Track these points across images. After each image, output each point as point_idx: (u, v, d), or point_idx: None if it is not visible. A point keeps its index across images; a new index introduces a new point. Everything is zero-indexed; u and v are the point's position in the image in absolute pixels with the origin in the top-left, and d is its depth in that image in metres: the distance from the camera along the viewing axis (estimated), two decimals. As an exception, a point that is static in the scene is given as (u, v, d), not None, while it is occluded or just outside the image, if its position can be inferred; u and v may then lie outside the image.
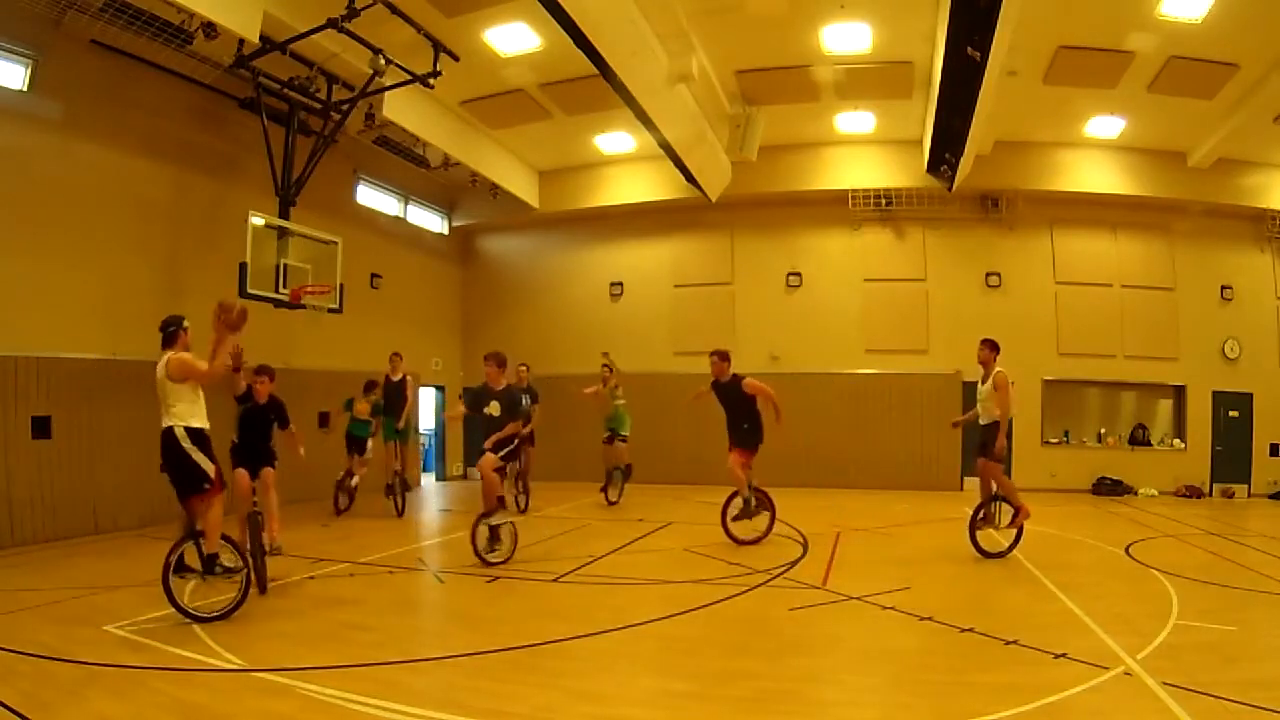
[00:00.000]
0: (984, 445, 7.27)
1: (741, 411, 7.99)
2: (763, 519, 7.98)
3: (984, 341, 7.51)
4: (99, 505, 8.65)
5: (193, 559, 4.97)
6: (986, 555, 7.24)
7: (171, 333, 5.13)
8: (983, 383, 7.39)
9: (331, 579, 6.44)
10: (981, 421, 7.37)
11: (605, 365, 11.24)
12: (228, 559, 5.08)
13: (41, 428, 8.12)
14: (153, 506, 9.27)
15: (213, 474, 5.00)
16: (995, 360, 7.38)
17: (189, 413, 4.98)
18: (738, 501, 7.94)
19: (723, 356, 8.16)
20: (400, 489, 10.23)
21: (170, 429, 4.91)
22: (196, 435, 4.96)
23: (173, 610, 4.83)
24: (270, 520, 6.46)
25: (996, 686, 3.83)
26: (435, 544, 8.33)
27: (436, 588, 6.48)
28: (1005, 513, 7.33)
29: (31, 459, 8.03)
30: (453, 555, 7.52)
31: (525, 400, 7.61)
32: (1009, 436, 7.28)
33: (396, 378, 10.39)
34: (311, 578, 6.44)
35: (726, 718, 3.58)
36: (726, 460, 7.92)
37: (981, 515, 7.38)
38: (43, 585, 5.96)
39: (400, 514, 10.09)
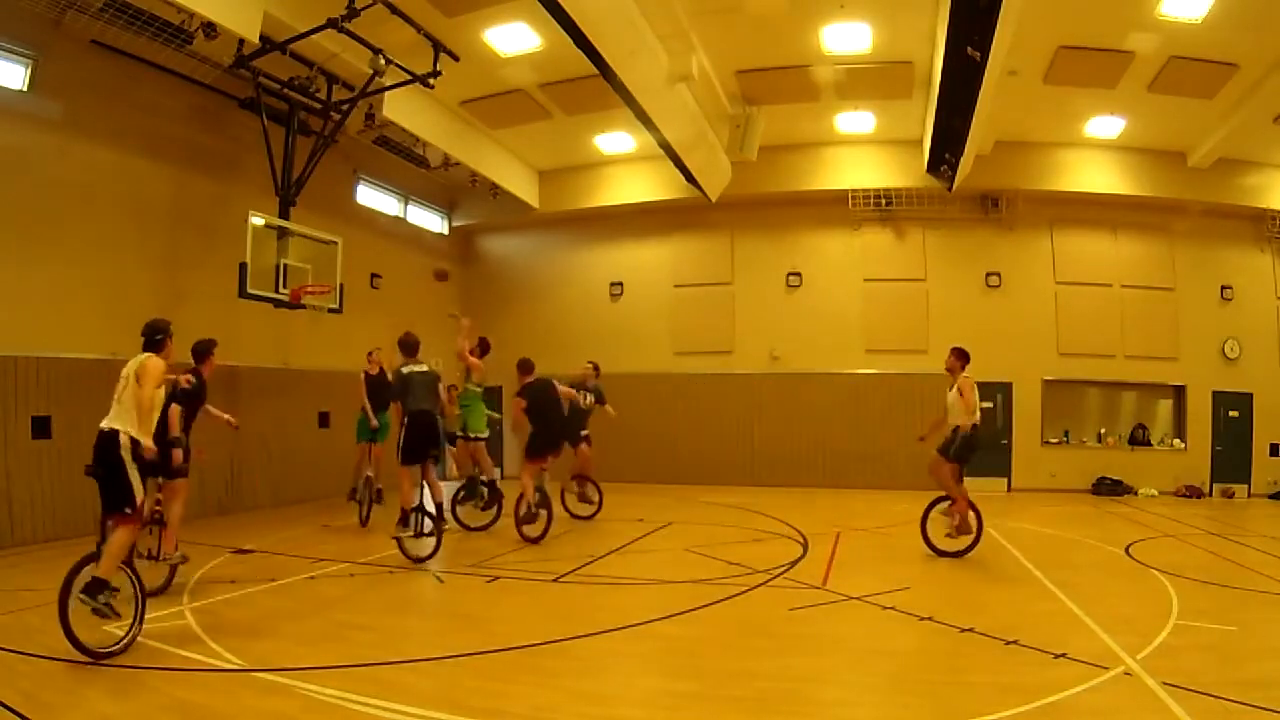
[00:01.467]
0: (947, 447, 7.42)
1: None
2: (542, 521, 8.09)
3: (953, 350, 7.69)
4: (99, 505, 8.62)
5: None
6: (940, 553, 7.37)
7: (159, 340, 4.95)
8: (950, 389, 7.56)
9: (331, 579, 6.44)
10: (950, 425, 7.52)
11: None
12: (112, 596, 4.35)
13: (41, 428, 8.11)
14: (152, 507, 9.27)
15: (139, 501, 4.65)
16: (962, 369, 7.55)
17: (137, 422, 4.68)
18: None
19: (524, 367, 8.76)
20: (369, 497, 9.19)
21: (114, 433, 4.60)
22: (137, 450, 4.66)
23: (104, 622, 4.35)
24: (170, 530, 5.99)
25: (996, 686, 3.83)
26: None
27: (436, 588, 6.48)
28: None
29: (31, 459, 8.02)
30: (453, 555, 7.52)
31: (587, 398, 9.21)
32: (973, 440, 7.37)
33: (374, 372, 9.78)
34: (311, 578, 6.44)
35: (727, 718, 3.58)
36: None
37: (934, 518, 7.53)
38: (43, 585, 5.93)
39: (364, 524, 8.97)
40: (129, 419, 4.66)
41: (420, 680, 4.05)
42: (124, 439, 4.59)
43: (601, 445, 12.41)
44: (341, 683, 3.85)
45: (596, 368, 10.39)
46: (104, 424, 4.66)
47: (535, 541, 7.91)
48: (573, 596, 6.03)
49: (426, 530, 7.16)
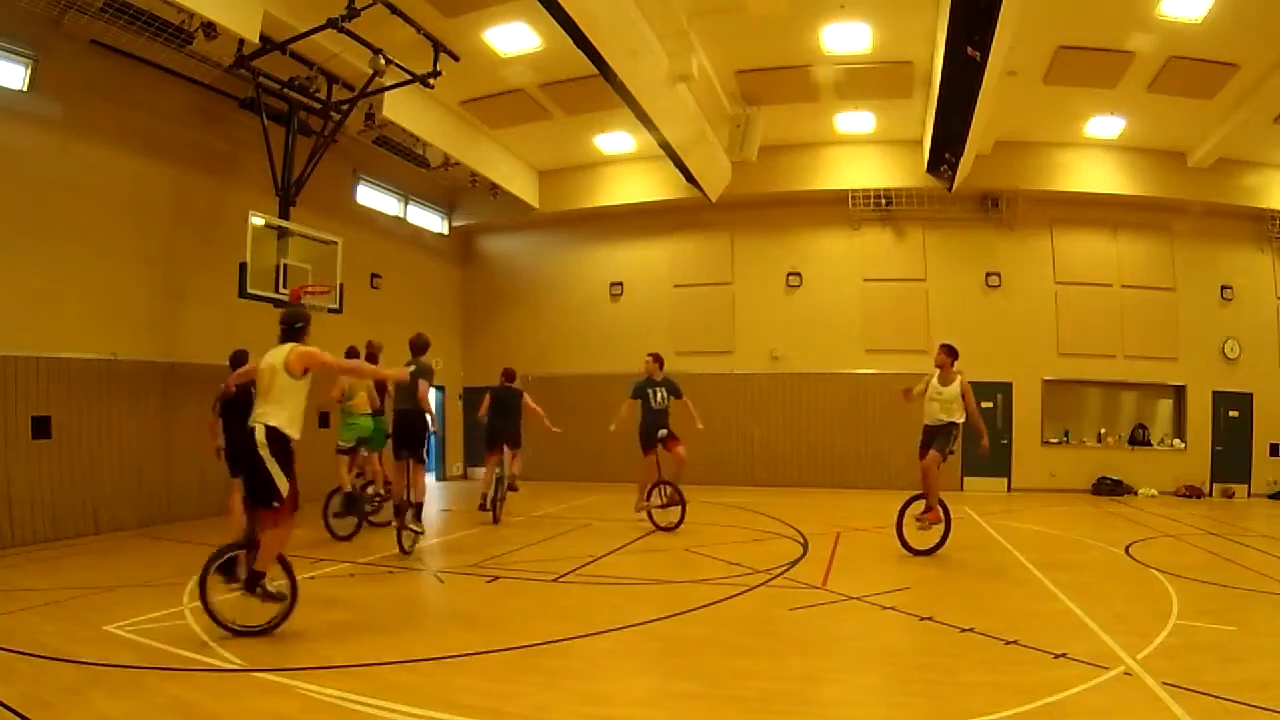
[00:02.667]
0: (938, 443, 7.36)
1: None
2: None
3: (943, 346, 7.62)
4: (99, 505, 8.65)
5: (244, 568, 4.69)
6: (914, 552, 7.37)
7: (300, 329, 4.91)
8: (944, 385, 7.44)
9: (331, 579, 6.44)
10: (938, 419, 7.40)
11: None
12: (275, 585, 4.66)
13: (41, 428, 8.12)
14: (152, 506, 9.30)
15: (285, 492, 4.61)
16: (953, 365, 7.52)
17: (276, 415, 4.60)
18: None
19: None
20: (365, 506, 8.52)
21: (252, 430, 4.58)
22: (277, 440, 4.58)
23: (203, 611, 4.62)
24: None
25: (996, 686, 3.83)
26: (436, 544, 8.32)
27: (436, 588, 6.48)
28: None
29: (31, 459, 8.03)
30: (453, 555, 7.52)
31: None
32: (954, 433, 7.43)
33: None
34: (311, 578, 6.43)
35: (727, 718, 3.58)
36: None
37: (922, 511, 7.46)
38: (43, 585, 5.96)
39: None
40: (262, 412, 4.63)
41: (420, 680, 4.04)
42: (259, 433, 4.55)
43: (602, 445, 12.44)
44: (341, 683, 3.84)
45: (659, 359, 9.28)
46: (249, 422, 4.66)
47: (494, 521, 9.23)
48: (573, 596, 6.03)
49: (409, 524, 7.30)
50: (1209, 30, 9.09)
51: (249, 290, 9.03)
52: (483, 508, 9.39)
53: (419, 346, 7.70)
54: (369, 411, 8.52)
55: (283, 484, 4.60)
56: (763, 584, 6.23)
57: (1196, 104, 10.98)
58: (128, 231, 9.29)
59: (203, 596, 4.62)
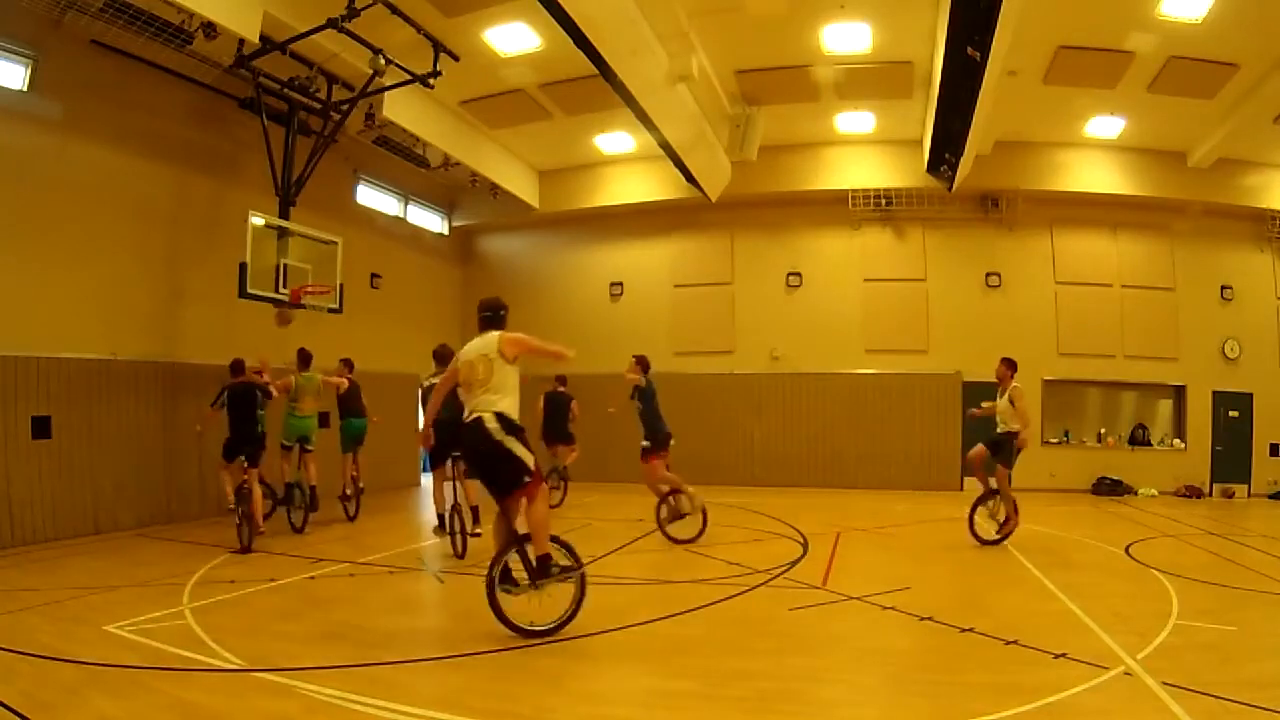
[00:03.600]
0: (998, 450, 7.83)
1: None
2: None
3: (1003, 360, 8.11)
4: (99, 505, 8.65)
5: (517, 569, 4.62)
6: (983, 542, 7.80)
7: (502, 316, 4.98)
8: (1000, 397, 8.00)
9: (331, 579, 6.44)
10: (999, 429, 7.94)
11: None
12: (562, 558, 4.64)
13: (41, 428, 8.12)
14: (152, 506, 9.31)
15: (532, 464, 4.57)
16: (1012, 378, 7.98)
17: (501, 401, 4.57)
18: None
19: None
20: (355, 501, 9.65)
21: (479, 420, 4.50)
22: (509, 423, 4.55)
23: (501, 624, 4.56)
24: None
25: (996, 686, 3.83)
26: (435, 544, 8.31)
27: (436, 588, 6.48)
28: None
29: (31, 459, 8.03)
30: (453, 556, 7.51)
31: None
32: (1013, 441, 7.84)
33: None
34: (311, 578, 6.44)
35: (727, 718, 3.58)
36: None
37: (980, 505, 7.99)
38: (43, 585, 5.96)
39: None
40: (486, 401, 4.58)
41: (420, 680, 4.04)
42: (489, 419, 4.52)
43: (599, 445, 12.46)
44: (341, 683, 3.84)
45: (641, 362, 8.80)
46: (466, 416, 4.62)
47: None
48: (573, 596, 6.02)
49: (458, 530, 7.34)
50: (1209, 30, 9.09)
51: (249, 290, 9.03)
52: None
53: (443, 357, 7.58)
54: (312, 414, 9.10)
55: (527, 457, 4.57)
56: (763, 584, 6.23)
57: (1196, 104, 10.98)
58: (128, 231, 9.28)
59: (502, 618, 4.55)
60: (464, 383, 4.75)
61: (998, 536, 7.80)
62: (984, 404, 8.40)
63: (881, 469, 13.59)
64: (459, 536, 7.34)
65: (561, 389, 11.05)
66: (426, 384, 7.68)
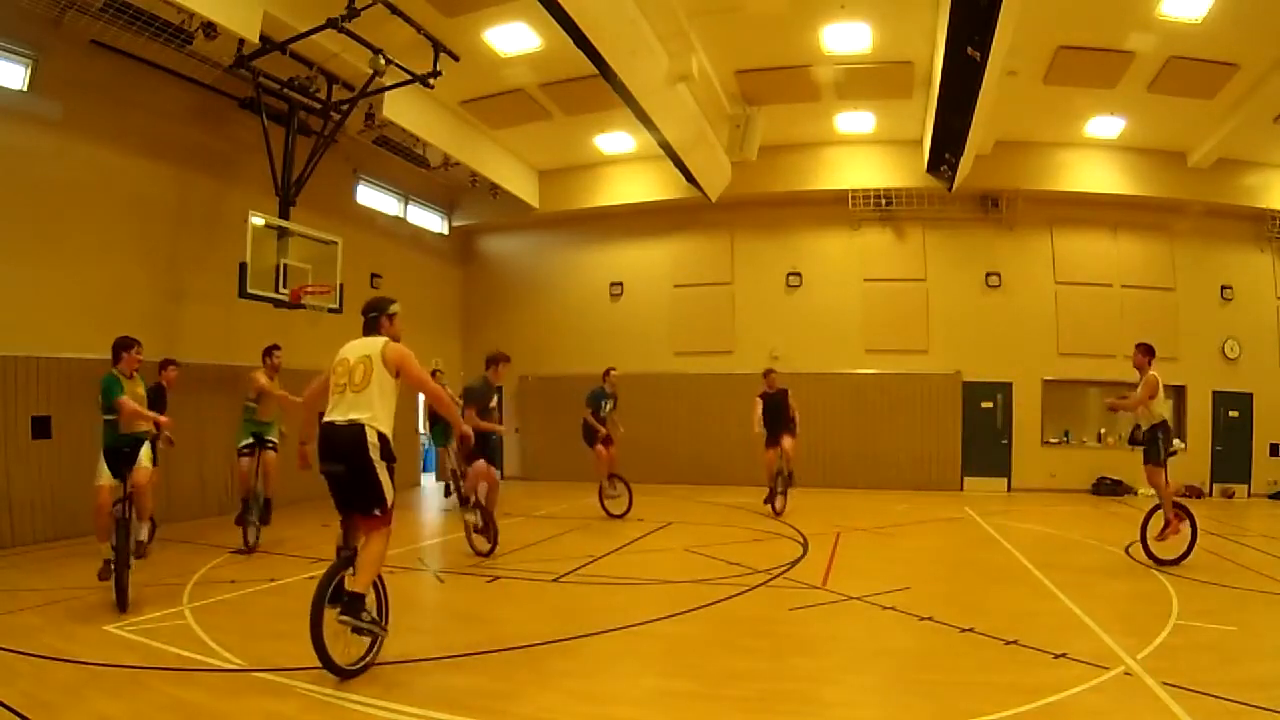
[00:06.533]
0: (1144, 451, 7.10)
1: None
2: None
3: (1138, 347, 7.23)
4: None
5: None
6: (1159, 562, 6.83)
7: (374, 319, 4.47)
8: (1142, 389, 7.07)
9: (331, 579, 6.43)
10: (1142, 426, 7.16)
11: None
12: (368, 613, 4.01)
13: (41, 428, 8.12)
14: (152, 506, 9.27)
15: (390, 502, 4.17)
16: (1150, 364, 7.09)
17: (384, 417, 4.12)
18: None
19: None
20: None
21: (361, 427, 4.02)
22: (386, 448, 4.12)
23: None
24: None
25: (996, 686, 3.83)
26: (435, 544, 8.32)
27: (437, 588, 6.48)
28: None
29: (32, 459, 8.03)
30: (453, 555, 7.52)
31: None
32: (1159, 436, 6.99)
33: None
34: (311, 578, 6.42)
35: (727, 718, 3.58)
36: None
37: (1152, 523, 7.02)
38: (43, 585, 5.97)
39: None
40: (370, 411, 4.08)
41: (420, 680, 4.04)
42: (371, 435, 4.04)
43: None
44: (340, 683, 3.84)
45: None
46: (346, 416, 4.06)
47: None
48: (573, 596, 6.03)
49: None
50: (1209, 30, 9.09)
51: (249, 290, 9.03)
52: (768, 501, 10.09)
53: (490, 360, 7.77)
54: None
55: (389, 493, 4.21)
56: (763, 584, 6.23)
57: (1196, 104, 10.98)
58: (128, 231, 9.28)
59: (320, 643, 3.79)
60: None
61: (1179, 552, 6.79)
62: (1124, 395, 7.43)
63: (881, 469, 13.58)
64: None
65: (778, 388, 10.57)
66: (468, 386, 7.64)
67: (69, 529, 8.25)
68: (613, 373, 10.23)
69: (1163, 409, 7.07)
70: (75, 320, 8.55)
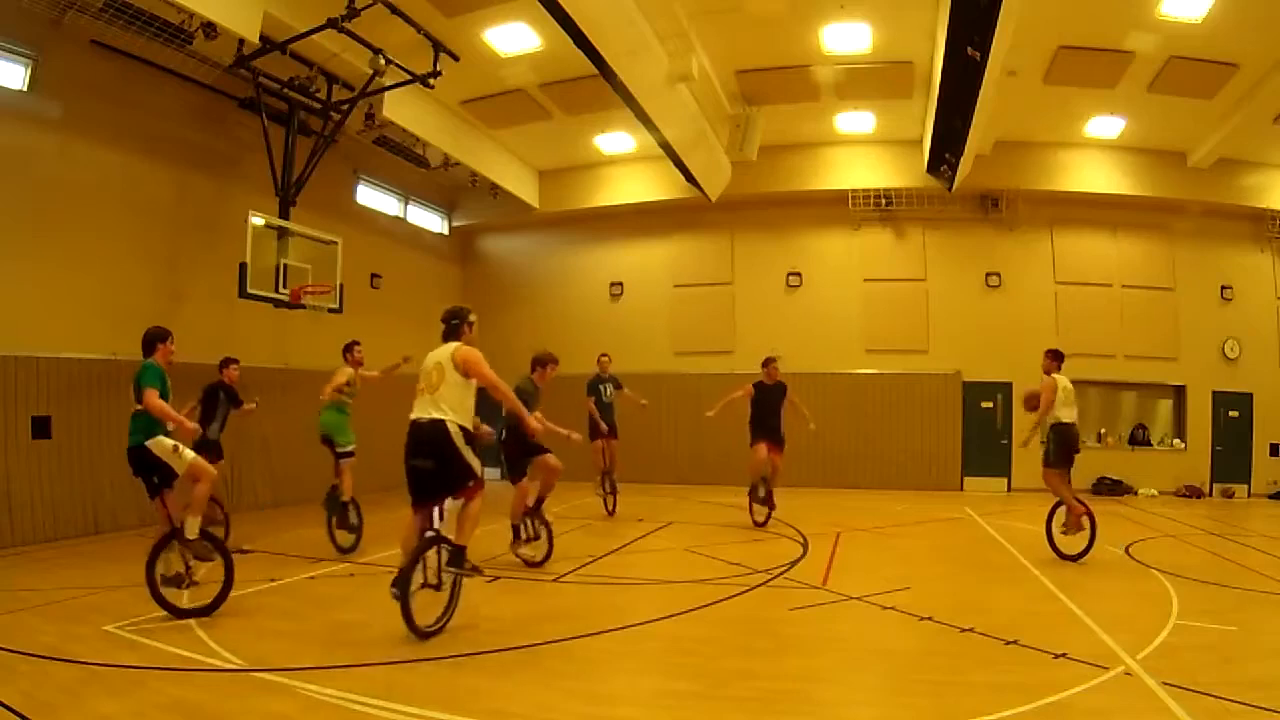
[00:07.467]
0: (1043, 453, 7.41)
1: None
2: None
3: (1046, 352, 7.49)
4: (99, 505, 8.63)
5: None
6: (1063, 557, 7.07)
7: (455, 325, 5.10)
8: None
9: (331, 579, 6.44)
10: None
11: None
12: (469, 561, 4.90)
13: (41, 428, 8.12)
14: (153, 506, 9.27)
15: (479, 472, 4.88)
16: (1058, 369, 7.34)
17: (462, 412, 4.81)
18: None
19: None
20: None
21: (442, 423, 4.70)
22: (466, 434, 4.82)
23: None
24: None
25: (996, 686, 3.83)
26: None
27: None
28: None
29: (31, 459, 8.03)
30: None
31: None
32: (1053, 439, 7.25)
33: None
34: (311, 578, 6.44)
35: (727, 718, 3.58)
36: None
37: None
38: (43, 585, 5.96)
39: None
40: (448, 407, 4.75)
41: (420, 680, 4.04)
42: (453, 428, 4.73)
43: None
44: (341, 683, 3.84)
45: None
46: (427, 414, 4.73)
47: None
48: (573, 596, 6.03)
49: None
50: (1209, 30, 9.09)
51: (249, 290, 9.02)
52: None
53: (541, 360, 7.74)
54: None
55: (478, 467, 4.91)
56: (763, 584, 6.23)
57: (1196, 104, 10.98)
58: (128, 231, 9.28)
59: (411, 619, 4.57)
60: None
61: (1080, 548, 7.07)
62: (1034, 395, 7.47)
63: (881, 469, 13.58)
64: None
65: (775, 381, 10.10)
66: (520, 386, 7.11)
67: (69, 529, 8.26)
68: (604, 358, 10.38)
69: (1064, 413, 7.21)
70: (75, 320, 8.56)
